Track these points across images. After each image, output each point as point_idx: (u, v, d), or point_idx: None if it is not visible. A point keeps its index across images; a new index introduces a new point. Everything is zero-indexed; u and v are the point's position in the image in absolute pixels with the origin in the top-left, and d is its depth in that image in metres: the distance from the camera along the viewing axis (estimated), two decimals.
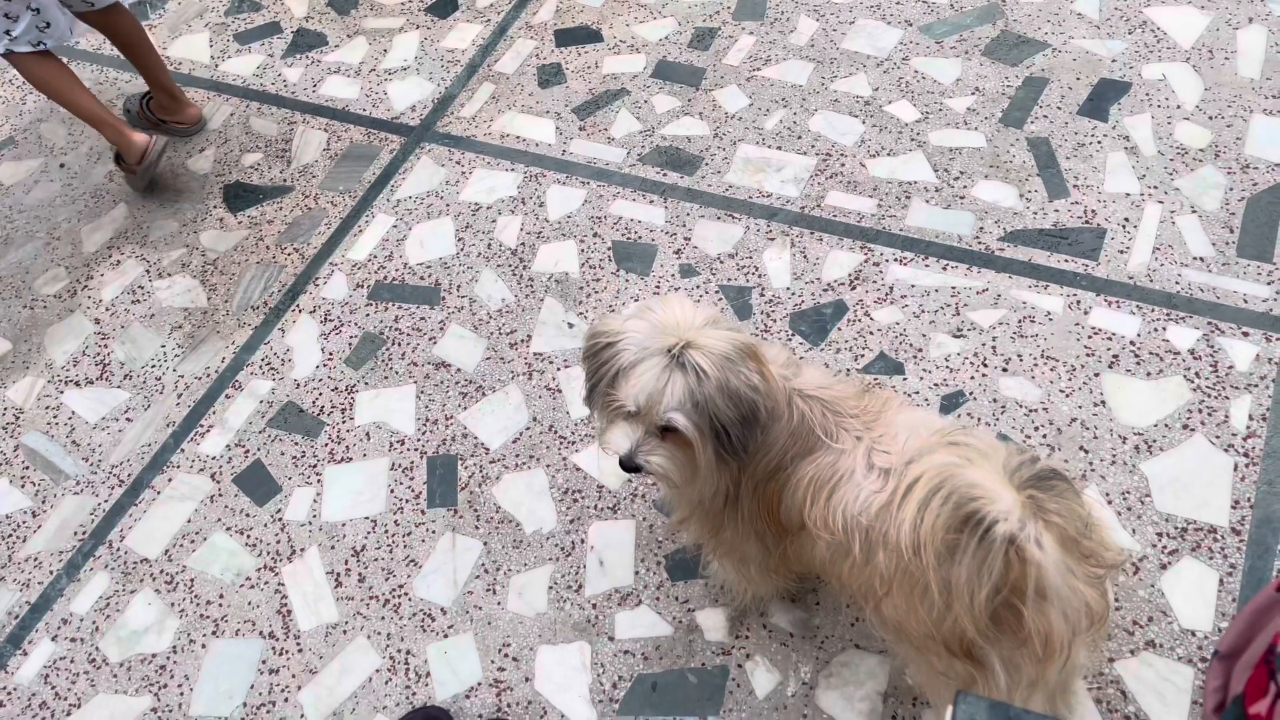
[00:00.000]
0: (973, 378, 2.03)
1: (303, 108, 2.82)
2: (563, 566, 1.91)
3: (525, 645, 1.82)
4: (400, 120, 2.74)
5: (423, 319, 2.32)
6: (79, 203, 2.70)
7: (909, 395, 2.02)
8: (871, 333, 2.13)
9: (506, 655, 1.82)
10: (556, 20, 2.90)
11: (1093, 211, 2.24)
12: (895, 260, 2.23)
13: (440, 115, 2.73)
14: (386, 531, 2.00)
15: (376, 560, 1.97)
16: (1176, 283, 2.10)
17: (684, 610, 1.82)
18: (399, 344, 2.29)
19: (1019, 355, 2.04)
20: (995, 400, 1.99)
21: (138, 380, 2.32)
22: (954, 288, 2.17)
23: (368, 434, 2.15)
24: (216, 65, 2.98)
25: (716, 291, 2.24)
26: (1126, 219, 2.21)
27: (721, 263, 2.29)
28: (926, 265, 2.21)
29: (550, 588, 1.88)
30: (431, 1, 3.02)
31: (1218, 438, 1.88)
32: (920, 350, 2.08)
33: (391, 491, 2.06)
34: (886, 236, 2.28)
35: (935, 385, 2.03)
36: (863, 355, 2.09)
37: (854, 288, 2.20)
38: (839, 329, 2.14)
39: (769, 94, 2.60)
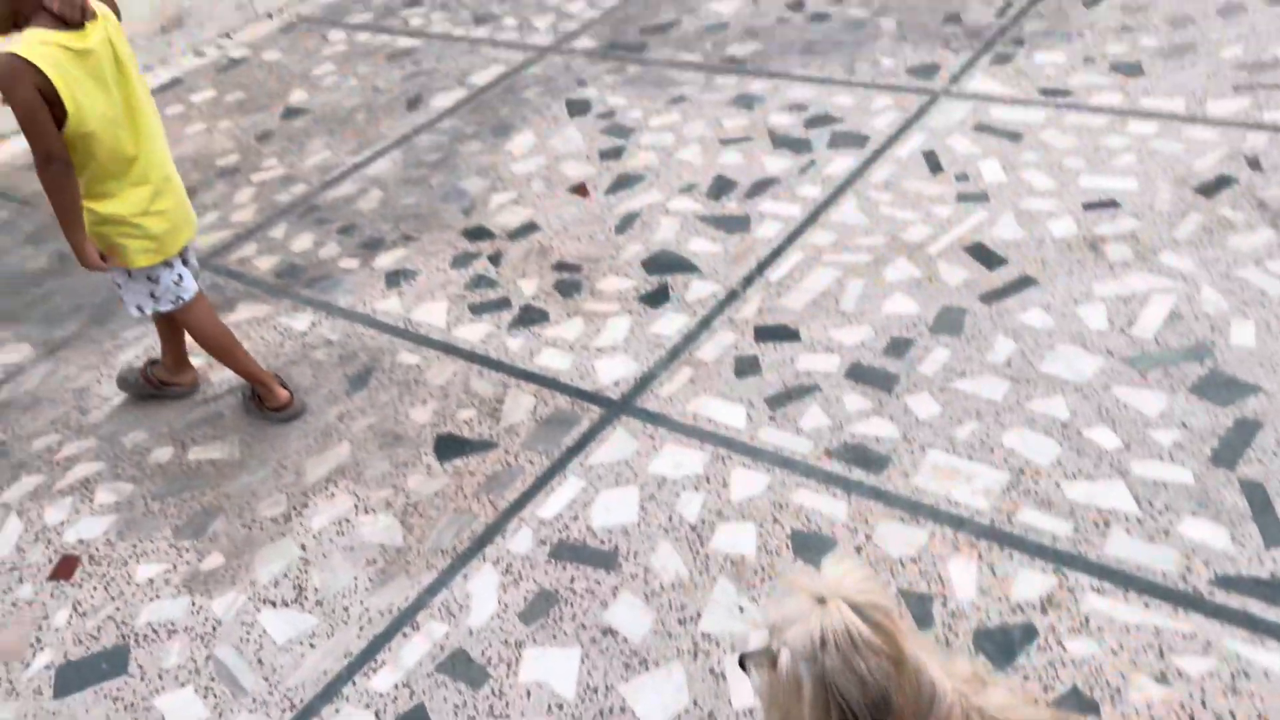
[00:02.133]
0: None
1: (518, 374, 3.08)
2: None
3: None
4: (603, 393, 2.94)
5: (597, 582, 2.37)
6: (310, 437, 2.99)
7: None
8: (1064, 664, 1.99)
9: None
10: (758, 318, 3.10)
11: None
12: (1092, 589, 2.12)
13: (640, 392, 2.91)
14: None
15: None
16: None
17: None
18: (571, 604, 2.33)
19: (1232, 713, 1.85)
20: None
21: (327, 608, 2.45)
22: (1157, 627, 2.03)
23: (528, 692, 2.15)
24: (450, 330, 3.33)
25: (896, 596, 2.19)
26: None
27: (903, 566, 2.25)
28: (1126, 600, 2.09)
29: None
30: (646, 293, 3.31)
31: None
32: (1118, 691, 1.93)
33: None
34: (1083, 562, 2.19)
35: None
36: (1053, 687, 1.96)
37: (1046, 612, 2.10)
38: (1028, 654, 2.02)
39: (962, 405, 2.64)
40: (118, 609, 2.53)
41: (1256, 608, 2.03)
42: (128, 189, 2.61)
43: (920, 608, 2.15)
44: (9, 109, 2.35)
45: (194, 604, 2.52)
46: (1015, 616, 2.10)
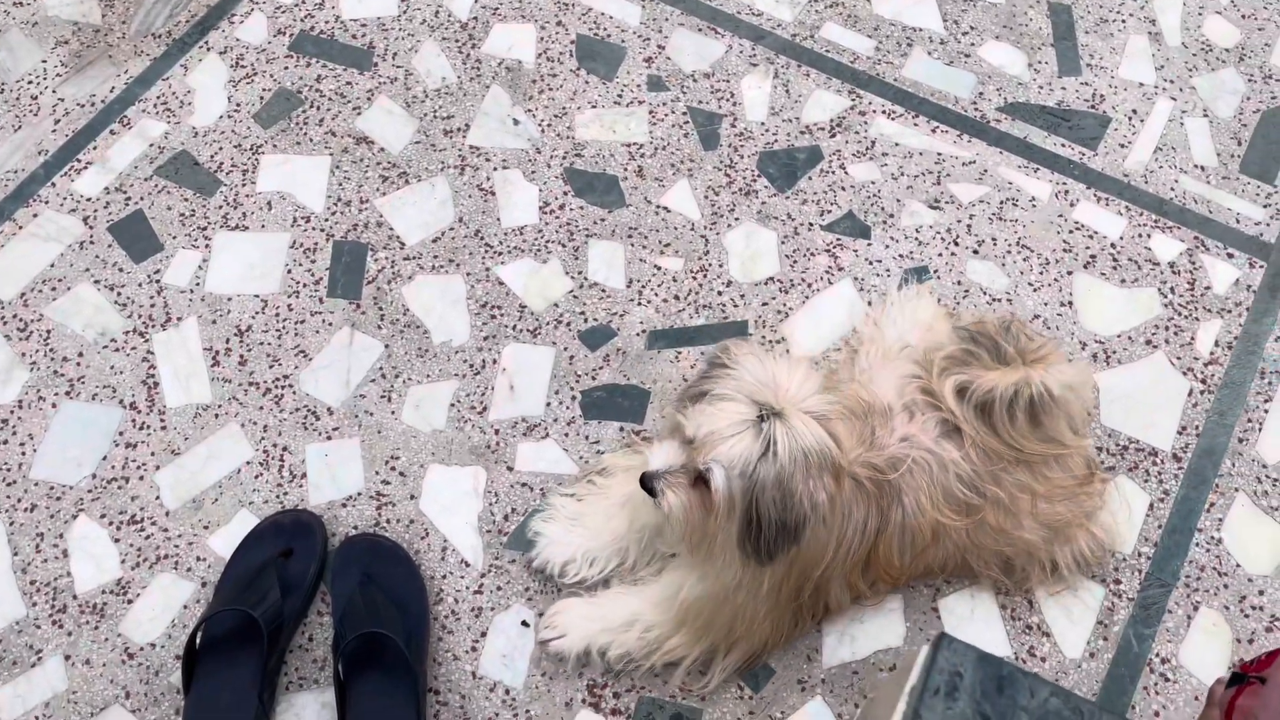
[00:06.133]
0: (940, 254, 1.87)
1: None
2: (469, 384, 1.74)
3: (415, 461, 1.67)
4: None
5: (349, 84, 2.04)
6: None
7: (871, 263, 1.86)
8: (844, 188, 1.94)
9: (393, 469, 1.67)
10: None
11: (1101, 96, 2.05)
12: (883, 113, 2.02)
13: None
14: (277, 315, 1.79)
15: (262, 344, 1.77)
16: (1171, 189, 1.95)
17: (592, 450, 1.68)
18: (318, 107, 2.01)
19: (994, 239, 1.89)
20: (960, 283, 1.84)
21: (10, 96, 2.01)
22: (940, 154, 1.98)
23: (269, 203, 1.90)
24: None
25: (684, 113, 2.01)
26: (1134, 110, 2.04)
27: (695, 81, 2.05)
28: (916, 124, 2.01)
29: (452, 405, 1.72)
30: None
31: (1179, 359, 1.78)
32: (892, 216, 1.91)
33: (289, 272, 1.83)
34: (879, 84, 2.06)
35: (900, 256, 1.87)
36: (829, 211, 1.91)
37: (834, 135, 2.00)
38: (810, 178, 1.95)
39: None
40: None
41: (1037, 136, 2.00)
42: None
43: (708, 126, 2.00)
44: None
45: None
46: (802, 139, 1.99)
